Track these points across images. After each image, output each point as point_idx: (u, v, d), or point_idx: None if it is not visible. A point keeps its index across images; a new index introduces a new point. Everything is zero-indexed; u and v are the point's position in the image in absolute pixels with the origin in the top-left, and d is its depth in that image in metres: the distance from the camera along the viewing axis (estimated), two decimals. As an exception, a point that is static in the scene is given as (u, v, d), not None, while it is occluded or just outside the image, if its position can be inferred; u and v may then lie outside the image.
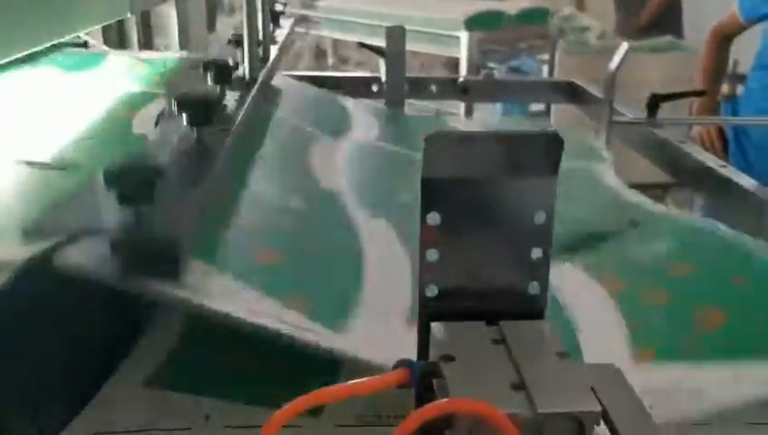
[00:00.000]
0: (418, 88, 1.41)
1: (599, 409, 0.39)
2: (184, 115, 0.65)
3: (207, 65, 0.84)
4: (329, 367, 0.56)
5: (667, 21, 3.62)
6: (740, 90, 2.32)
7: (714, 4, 2.54)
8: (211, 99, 0.66)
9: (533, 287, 0.47)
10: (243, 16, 0.96)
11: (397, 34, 1.27)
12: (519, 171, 0.45)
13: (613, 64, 1.14)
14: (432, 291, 0.47)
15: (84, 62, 1.06)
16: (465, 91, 1.44)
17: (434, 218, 0.46)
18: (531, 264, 0.47)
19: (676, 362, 0.62)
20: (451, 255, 0.46)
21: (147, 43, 1.45)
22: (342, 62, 5.25)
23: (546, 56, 3.41)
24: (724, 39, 2.22)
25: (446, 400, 0.38)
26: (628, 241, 0.86)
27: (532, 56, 3.58)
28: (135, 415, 0.55)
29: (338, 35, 3.91)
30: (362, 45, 1.45)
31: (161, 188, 0.50)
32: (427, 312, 0.47)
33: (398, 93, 1.30)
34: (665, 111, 1.21)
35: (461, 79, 1.45)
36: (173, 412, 0.56)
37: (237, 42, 1.04)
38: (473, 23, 3.11)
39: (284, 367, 0.56)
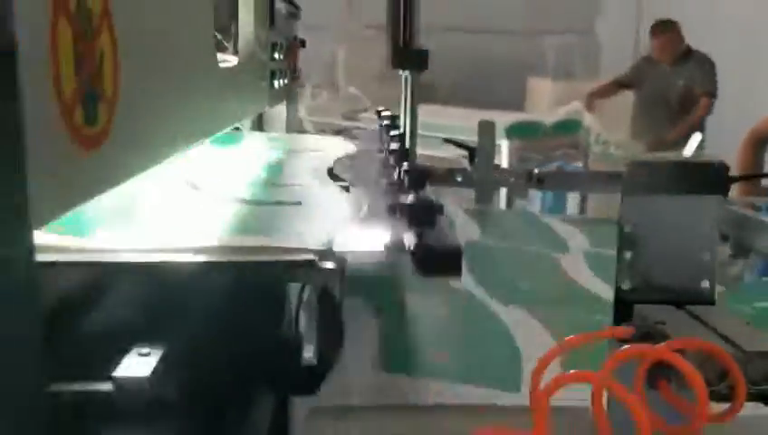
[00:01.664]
0: (501, 178, 1.58)
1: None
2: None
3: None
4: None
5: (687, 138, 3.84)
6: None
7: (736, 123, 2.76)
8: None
9: (705, 282, 0.61)
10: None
11: (487, 129, 1.45)
12: (694, 190, 0.60)
13: (688, 151, 1.30)
14: (626, 284, 0.61)
15: (231, 139, 1.24)
16: (540, 181, 1.60)
17: (629, 227, 0.60)
18: (702, 264, 0.61)
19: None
20: (641, 256, 0.61)
21: (259, 127, 1.67)
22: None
23: (580, 163, 3.61)
24: (759, 141, 2.42)
25: (679, 339, 0.51)
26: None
27: (565, 163, 3.79)
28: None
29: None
30: (448, 141, 1.61)
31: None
32: (621, 300, 0.61)
33: (488, 182, 1.46)
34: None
35: (536, 171, 1.62)
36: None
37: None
38: (512, 131, 3.34)
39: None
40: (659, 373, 0.51)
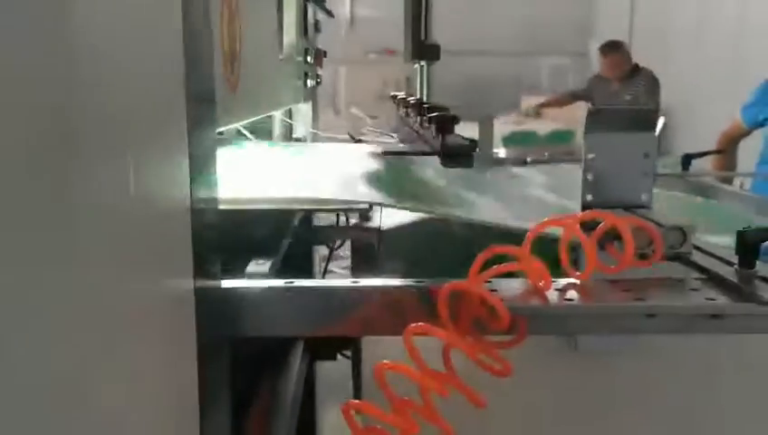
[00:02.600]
0: (499, 161, 1.84)
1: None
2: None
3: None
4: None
5: None
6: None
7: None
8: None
9: (645, 194, 0.87)
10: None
11: (487, 122, 1.71)
12: (634, 128, 0.86)
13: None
14: (589, 197, 0.86)
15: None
16: (524, 163, 1.87)
17: (590, 156, 0.86)
18: (643, 180, 0.87)
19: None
20: (599, 176, 0.86)
21: (288, 134, 1.92)
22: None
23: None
24: (731, 142, 2.69)
25: (623, 217, 0.76)
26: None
27: (559, 171, 4.06)
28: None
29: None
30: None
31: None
32: (586, 208, 0.86)
33: (487, 161, 1.72)
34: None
35: (529, 159, 1.88)
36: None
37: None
38: (509, 140, 3.60)
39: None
40: (608, 241, 0.76)
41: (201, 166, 0.56)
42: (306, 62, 1.63)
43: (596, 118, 0.86)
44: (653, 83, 4.30)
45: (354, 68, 7.15)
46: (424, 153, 0.90)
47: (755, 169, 2.64)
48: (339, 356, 1.25)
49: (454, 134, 0.86)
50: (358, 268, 1.22)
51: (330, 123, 5.44)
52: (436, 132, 0.86)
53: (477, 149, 1.77)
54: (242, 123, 0.79)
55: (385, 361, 0.62)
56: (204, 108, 0.57)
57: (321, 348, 0.94)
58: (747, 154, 2.77)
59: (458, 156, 0.81)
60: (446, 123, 0.85)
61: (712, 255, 0.75)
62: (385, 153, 0.98)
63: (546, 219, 0.76)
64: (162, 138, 0.50)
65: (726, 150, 2.70)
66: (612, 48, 4.36)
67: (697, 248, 0.77)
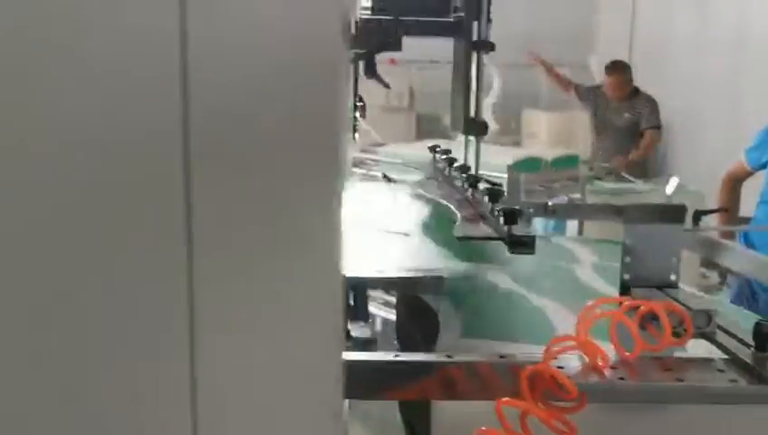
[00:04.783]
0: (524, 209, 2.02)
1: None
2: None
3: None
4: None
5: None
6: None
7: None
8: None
9: (672, 275, 1.04)
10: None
11: (514, 173, 1.89)
12: (665, 220, 1.04)
13: (669, 191, 1.75)
14: (627, 276, 1.04)
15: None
16: (553, 212, 2.04)
17: (628, 242, 1.03)
18: (671, 264, 1.04)
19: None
20: (635, 259, 1.04)
21: None
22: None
23: (578, 194, 4.05)
24: (735, 181, 2.89)
25: (658, 301, 0.94)
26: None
27: (564, 195, 4.24)
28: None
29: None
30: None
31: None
32: (623, 285, 1.04)
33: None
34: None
35: (550, 203, 2.06)
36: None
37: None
38: (516, 167, 3.77)
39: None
40: (647, 320, 0.94)
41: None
42: (354, 117, 1.80)
43: (634, 210, 1.04)
44: (653, 105, 4.60)
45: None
46: (491, 238, 1.07)
47: (756, 207, 2.83)
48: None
49: (518, 225, 1.04)
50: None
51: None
52: (504, 222, 1.03)
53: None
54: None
55: (483, 428, 0.80)
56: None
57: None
58: (748, 191, 2.95)
59: (524, 245, 0.98)
60: (514, 216, 1.03)
61: (731, 335, 0.92)
62: (459, 238, 1.15)
63: (593, 303, 0.94)
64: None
65: (729, 195, 2.89)
66: (616, 69, 4.59)
67: (719, 328, 0.95)
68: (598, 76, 7.14)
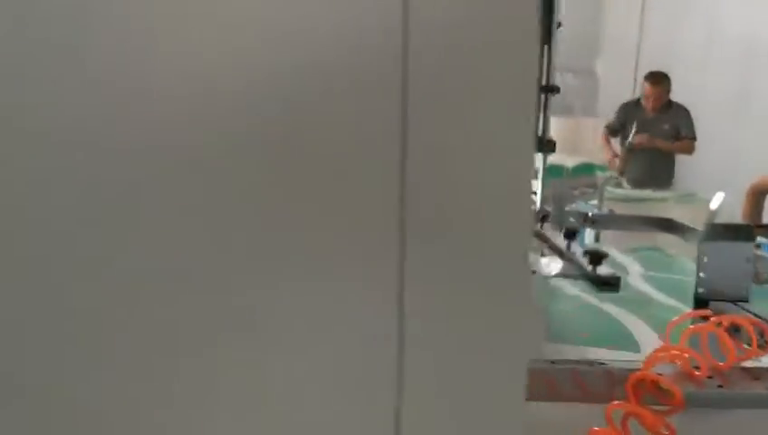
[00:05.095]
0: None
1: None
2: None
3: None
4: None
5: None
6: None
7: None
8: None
9: (743, 289, 1.13)
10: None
11: (559, 187, 1.98)
12: (736, 239, 1.13)
13: (713, 206, 1.83)
14: (702, 290, 1.13)
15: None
16: (593, 222, 2.13)
17: (704, 258, 1.12)
18: (743, 278, 1.13)
19: None
20: (709, 274, 1.13)
21: None
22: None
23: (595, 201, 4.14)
24: (760, 194, 2.99)
25: (739, 315, 1.03)
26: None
27: (583, 201, 4.32)
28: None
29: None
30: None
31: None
32: (698, 299, 1.13)
33: (559, 222, 1.99)
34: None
35: (590, 214, 2.15)
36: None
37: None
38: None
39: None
40: (730, 333, 1.02)
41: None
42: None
43: (710, 229, 1.13)
44: (689, 115, 4.62)
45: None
46: (576, 277, 1.16)
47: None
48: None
49: (603, 266, 1.13)
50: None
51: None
52: (589, 263, 1.12)
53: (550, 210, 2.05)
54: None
55: (595, 428, 0.88)
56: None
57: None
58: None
59: (609, 285, 1.07)
60: (599, 257, 1.12)
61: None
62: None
63: (682, 315, 1.03)
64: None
65: (754, 208, 2.98)
66: (661, 79, 4.60)
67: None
68: (603, 81, 7.25)
